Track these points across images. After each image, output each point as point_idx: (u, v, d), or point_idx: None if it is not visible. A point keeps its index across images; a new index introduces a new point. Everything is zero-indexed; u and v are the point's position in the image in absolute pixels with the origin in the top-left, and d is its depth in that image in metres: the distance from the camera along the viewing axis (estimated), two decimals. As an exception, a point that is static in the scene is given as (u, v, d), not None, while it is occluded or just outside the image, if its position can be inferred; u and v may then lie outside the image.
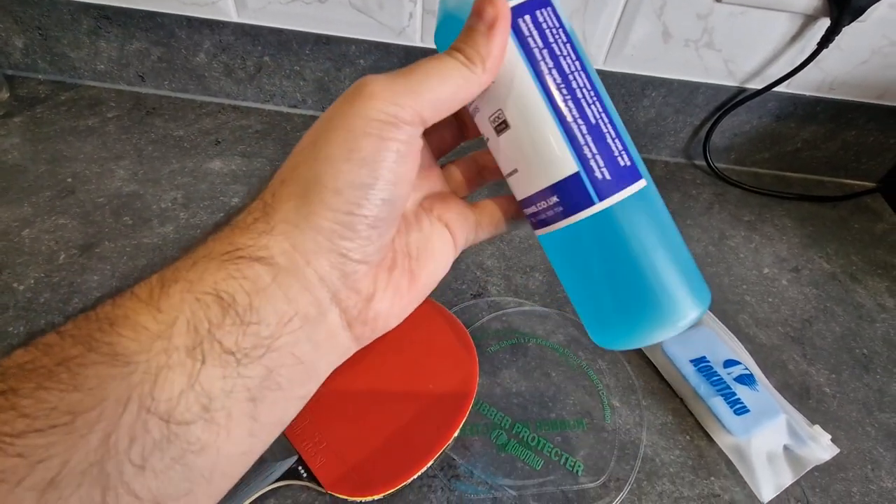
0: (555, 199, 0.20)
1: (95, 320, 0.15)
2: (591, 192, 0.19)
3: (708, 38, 0.50)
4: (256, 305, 0.16)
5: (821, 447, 0.35)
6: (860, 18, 0.45)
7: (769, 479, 0.34)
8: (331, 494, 0.30)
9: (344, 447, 0.32)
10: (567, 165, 0.19)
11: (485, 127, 0.21)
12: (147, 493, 0.14)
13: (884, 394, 0.41)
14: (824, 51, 0.47)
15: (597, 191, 0.19)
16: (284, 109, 0.58)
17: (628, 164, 0.20)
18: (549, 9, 0.20)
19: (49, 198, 0.45)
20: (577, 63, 0.20)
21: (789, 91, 0.53)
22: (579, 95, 0.19)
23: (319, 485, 0.30)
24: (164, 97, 0.57)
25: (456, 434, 0.33)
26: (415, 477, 0.31)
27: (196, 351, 0.15)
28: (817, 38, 0.48)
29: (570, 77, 0.19)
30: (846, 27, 0.46)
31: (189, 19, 0.50)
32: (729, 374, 0.38)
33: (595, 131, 0.20)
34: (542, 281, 0.45)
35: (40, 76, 0.56)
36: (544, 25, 0.19)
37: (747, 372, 0.38)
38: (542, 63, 0.19)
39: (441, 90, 0.18)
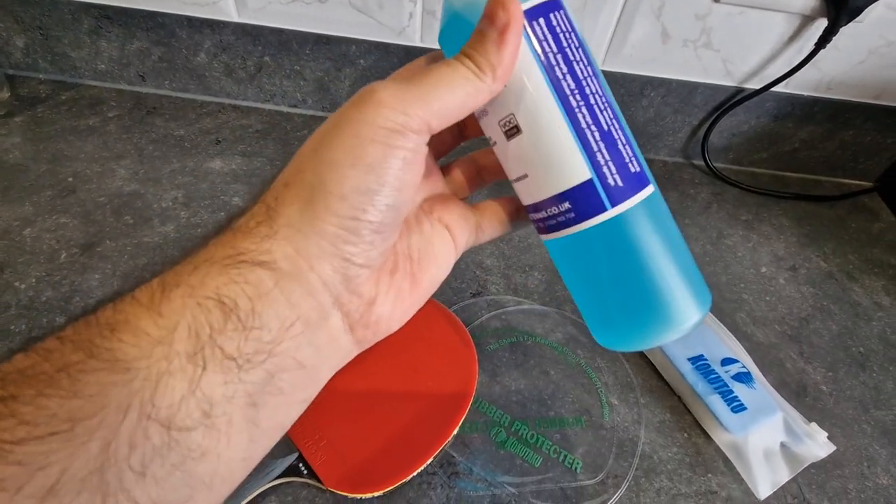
0: (567, 205, 0.20)
1: (96, 325, 0.15)
2: (604, 198, 0.19)
3: (706, 39, 0.50)
4: (258, 310, 0.16)
5: (817, 444, 0.36)
6: (857, 19, 0.46)
7: (766, 477, 0.34)
8: (331, 491, 0.31)
9: (344, 445, 0.32)
10: (580, 172, 0.19)
11: (492, 130, 0.21)
12: (147, 500, 0.14)
13: (880, 391, 0.41)
14: (822, 51, 0.48)
15: (609, 197, 0.19)
16: (285, 109, 0.58)
17: (638, 170, 0.20)
18: (561, 12, 0.19)
19: (50, 197, 0.45)
20: (589, 68, 0.20)
21: (787, 91, 0.54)
22: (592, 101, 0.19)
23: (320, 482, 0.31)
24: (165, 97, 0.57)
25: (455, 432, 0.33)
26: (415, 474, 0.32)
27: (197, 356, 0.15)
28: (815, 39, 0.48)
29: (584, 83, 0.19)
30: (843, 27, 0.46)
31: (190, 19, 0.51)
32: (726, 372, 0.38)
33: (607, 137, 0.19)
34: (541, 280, 0.45)
35: (41, 76, 0.56)
36: (558, 29, 0.19)
37: (745, 370, 0.39)
38: (556, 68, 0.19)
39: (450, 99, 0.18)
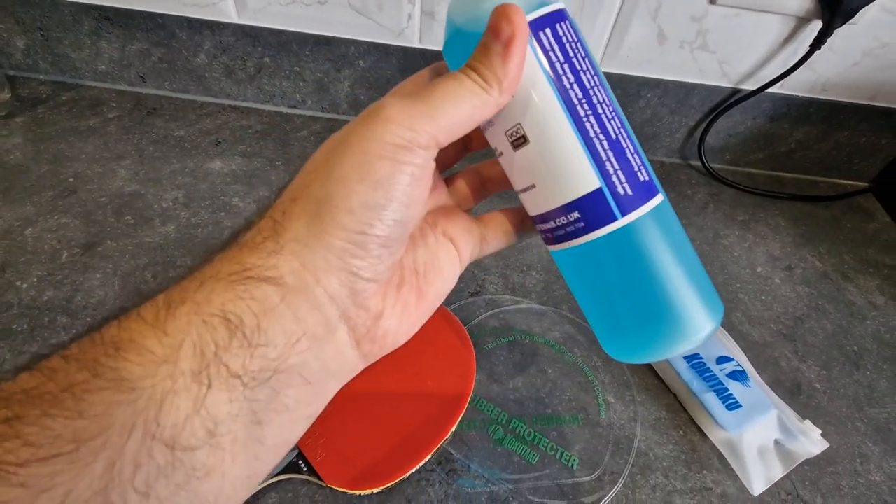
0: (576, 214, 0.20)
1: (101, 344, 0.15)
2: (614, 207, 0.19)
3: (702, 40, 0.51)
4: (264, 327, 0.16)
5: (811, 442, 0.36)
6: (851, 21, 0.46)
7: (760, 473, 0.35)
8: (331, 488, 0.31)
9: (343, 442, 0.32)
10: (589, 181, 0.19)
11: (498, 141, 0.21)
12: None
13: (873, 390, 0.41)
14: (816, 53, 0.48)
15: (619, 206, 0.19)
16: (284, 110, 0.59)
17: (647, 178, 0.20)
18: (567, 22, 0.19)
19: (51, 197, 0.45)
20: (595, 77, 0.20)
21: (783, 92, 0.54)
22: (600, 110, 0.19)
23: (319, 478, 0.31)
24: (165, 97, 0.57)
25: (454, 429, 0.34)
26: (413, 471, 0.32)
27: (202, 375, 0.15)
28: (810, 40, 0.48)
29: (591, 92, 0.19)
30: (838, 29, 0.47)
31: (190, 20, 0.51)
32: (722, 370, 0.39)
33: (616, 146, 0.19)
34: (539, 279, 0.45)
35: (42, 76, 0.56)
36: (564, 39, 0.19)
37: (740, 368, 0.39)
38: (563, 78, 0.19)
39: (456, 114, 0.18)
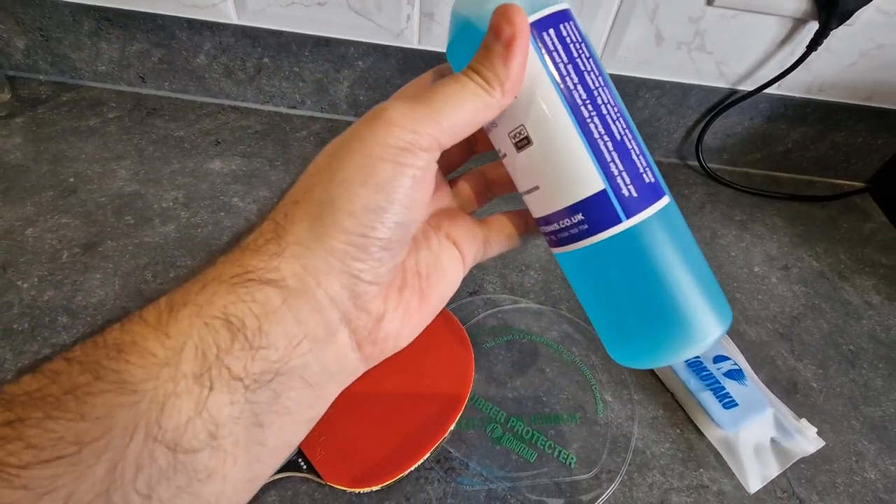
0: (580, 216, 0.19)
1: (103, 346, 0.15)
2: (619, 209, 0.19)
3: (700, 41, 0.51)
4: (266, 329, 0.16)
5: (807, 440, 0.37)
6: (847, 22, 0.46)
7: (756, 471, 0.35)
8: (330, 486, 0.31)
9: (342, 440, 0.33)
10: (594, 182, 0.19)
11: (502, 142, 0.21)
12: None
13: (869, 388, 0.42)
14: (813, 53, 0.48)
15: (624, 208, 0.19)
16: (284, 110, 0.59)
17: (652, 180, 0.20)
18: (571, 22, 0.19)
19: (51, 197, 0.45)
20: (600, 78, 0.19)
21: (780, 93, 0.54)
22: (604, 111, 0.19)
23: (319, 476, 0.31)
24: (165, 98, 0.57)
25: (452, 427, 0.34)
26: (412, 469, 0.32)
27: (204, 377, 0.15)
28: (806, 41, 0.49)
29: (595, 93, 0.19)
30: (834, 30, 0.47)
31: (189, 21, 0.51)
32: (718, 369, 0.39)
33: (621, 147, 0.19)
34: (538, 279, 0.46)
35: (42, 77, 0.57)
36: (568, 40, 0.19)
37: (736, 367, 0.39)
38: (567, 79, 0.19)
39: (459, 116, 0.18)
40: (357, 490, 0.31)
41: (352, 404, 0.34)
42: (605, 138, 0.19)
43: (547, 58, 0.19)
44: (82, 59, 0.55)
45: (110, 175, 0.48)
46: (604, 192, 0.19)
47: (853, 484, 0.36)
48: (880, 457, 0.38)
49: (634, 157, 0.19)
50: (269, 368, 0.16)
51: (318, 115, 0.59)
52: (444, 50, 0.21)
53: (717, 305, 0.20)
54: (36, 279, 0.40)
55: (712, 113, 0.56)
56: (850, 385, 0.42)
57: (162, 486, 0.14)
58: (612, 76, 0.52)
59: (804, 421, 0.38)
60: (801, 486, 0.35)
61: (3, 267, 0.40)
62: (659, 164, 0.60)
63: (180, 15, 0.51)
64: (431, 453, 0.33)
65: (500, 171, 0.24)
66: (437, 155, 0.18)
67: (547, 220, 0.21)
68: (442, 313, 0.40)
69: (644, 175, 0.20)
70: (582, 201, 0.19)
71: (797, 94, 0.55)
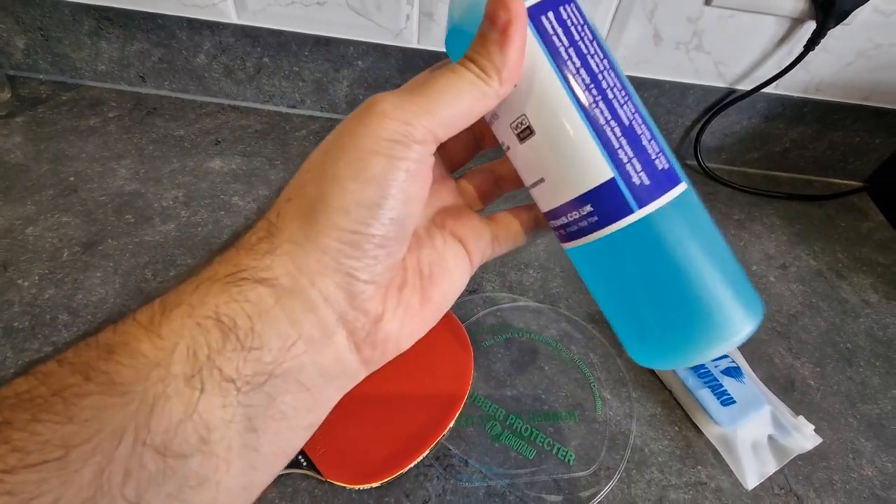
0: (588, 208, 0.18)
1: (95, 347, 0.14)
2: (630, 199, 0.18)
3: (698, 41, 0.51)
4: (258, 329, 0.15)
5: (804, 437, 0.37)
6: (845, 22, 0.47)
7: (754, 468, 0.35)
8: (330, 483, 0.31)
9: (342, 437, 0.33)
10: (601, 171, 0.18)
11: (505, 134, 0.20)
12: None
13: (866, 386, 0.42)
14: (810, 53, 0.49)
15: (635, 197, 0.18)
16: (283, 110, 0.59)
17: (666, 166, 0.19)
18: (572, 4, 0.18)
19: (52, 196, 0.46)
20: (604, 61, 0.18)
21: (777, 92, 0.55)
22: (610, 96, 0.18)
23: (319, 473, 0.31)
24: (165, 97, 0.58)
25: (451, 425, 0.34)
26: (411, 466, 0.32)
27: (195, 379, 0.14)
28: (804, 41, 0.49)
29: (600, 77, 0.18)
30: (831, 30, 0.47)
31: (189, 21, 0.51)
32: (716, 366, 0.39)
33: (629, 133, 0.18)
34: (536, 277, 0.46)
35: (42, 76, 0.57)
36: (569, 22, 0.18)
37: (734, 365, 0.39)
38: (569, 63, 0.18)
39: (455, 107, 0.17)
40: (357, 487, 0.31)
41: (352, 402, 0.34)
42: (612, 124, 0.18)
43: (546, 43, 0.18)
44: (82, 59, 0.55)
45: (110, 174, 0.48)
46: (613, 180, 0.18)
47: (850, 481, 0.36)
48: (877, 454, 0.38)
49: (645, 142, 0.18)
50: (262, 370, 0.15)
51: (318, 114, 0.59)
52: (444, 50, 0.21)
53: (746, 298, 0.19)
54: (36, 277, 0.40)
55: (710, 112, 0.56)
56: (848, 383, 0.42)
57: (151, 493, 0.13)
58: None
59: (801, 418, 0.38)
60: (798, 483, 0.36)
61: (4, 265, 0.40)
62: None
63: (180, 14, 0.51)
64: (431, 450, 0.33)
65: (508, 167, 0.23)
66: (433, 148, 0.17)
67: (555, 213, 0.20)
68: (441, 311, 0.40)
69: (656, 161, 0.18)
70: (590, 192, 0.18)
71: (795, 94, 0.55)
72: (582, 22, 0.18)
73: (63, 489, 0.13)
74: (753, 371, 0.41)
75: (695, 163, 0.60)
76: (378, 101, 0.17)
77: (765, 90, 0.53)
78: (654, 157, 0.18)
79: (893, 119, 0.56)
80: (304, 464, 0.32)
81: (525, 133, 0.19)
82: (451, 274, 0.20)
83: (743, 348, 0.43)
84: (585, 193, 0.18)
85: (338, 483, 0.31)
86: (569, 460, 0.35)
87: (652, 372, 0.40)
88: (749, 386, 0.38)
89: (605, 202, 0.18)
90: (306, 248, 0.16)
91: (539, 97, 0.18)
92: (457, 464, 0.34)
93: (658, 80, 0.54)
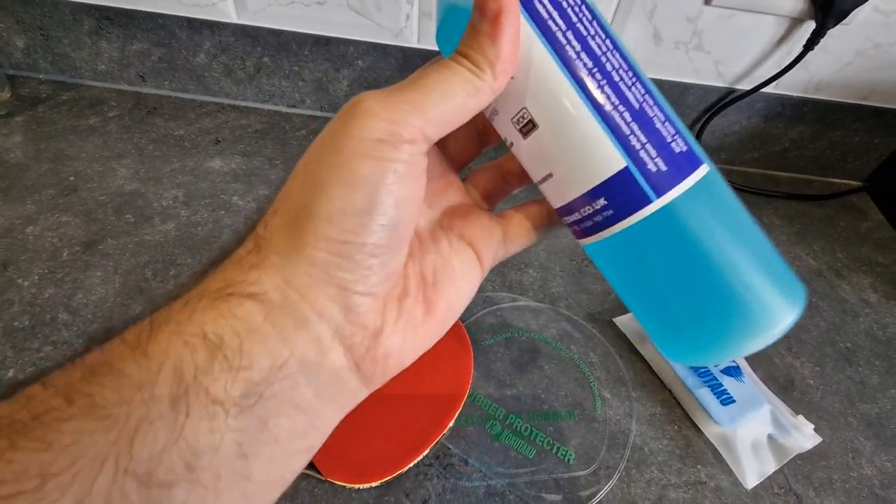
0: (602, 201, 0.17)
1: (80, 368, 0.14)
2: (646, 188, 0.16)
3: (698, 41, 0.51)
4: (246, 348, 0.14)
5: (804, 436, 0.37)
6: (844, 21, 0.47)
7: (754, 467, 0.35)
8: (330, 482, 0.31)
9: (342, 436, 0.32)
10: (613, 161, 0.16)
11: (507, 130, 0.19)
12: None
13: (865, 385, 0.42)
14: (810, 53, 0.49)
15: (652, 186, 0.16)
16: (283, 109, 0.59)
17: (684, 149, 0.17)
18: None
19: (52, 196, 0.46)
20: (607, 42, 0.17)
21: (777, 92, 0.55)
22: (616, 78, 0.17)
23: (318, 472, 0.31)
24: (165, 97, 0.58)
25: (451, 424, 0.34)
26: (411, 465, 0.32)
27: (180, 402, 0.13)
28: (803, 41, 0.49)
29: (603, 59, 0.17)
30: (831, 30, 0.47)
31: (189, 20, 0.51)
32: (716, 366, 0.39)
33: (640, 116, 0.17)
34: (536, 277, 0.46)
35: (42, 76, 0.57)
36: (564, 4, 0.17)
37: (734, 364, 0.39)
38: (567, 47, 0.16)
39: (446, 104, 0.16)
40: (357, 486, 0.31)
41: (351, 401, 0.34)
42: (621, 108, 0.16)
43: (542, 28, 0.16)
44: (82, 59, 0.55)
45: (110, 174, 0.49)
46: (626, 170, 0.16)
47: (849, 480, 0.36)
48: (876, 453, 0.38)
49: (659, 124, 0.17)
50: (252, 391, 0.14)
51: (318, 114, 0.59)
52: (443, 49, 0.21)
53: (785, 285, 0.17)
54: (36, 277, 0.40)
55: (710, 112, 0.56)
56: (847, 382, 0.42)
57: None
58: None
59: (801, 417, 0.38)
60: (797, 482, 0.36)
61: (4, 265, 0.40)
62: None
63: (180, 14, 0.51)
64: (431, 450, 0.33)
65: (515, 162, 0.21)
66: (425, 147, 0.16)
67: (567, 209, 0.19)
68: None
69: (673, 144, 0.17)
70: (602, 184, 0.17)
71: (794, 94, 0.55)
72: (580, 2, 0.17)
73: None
74: (753, 370, 0.41)
75: (694, 162, 0.60)
76: (363, 100, 0.15)
77: (764, 90, 0.53)
78: (669, 140, 0.17)
79: (893, 119, 0.56)
80: (304, 463, 0.32)
81: (527, 127, 0.18)
82: (458, 280, 0.19)
83: (742, 348, 0.43)
84: (597, 186, 0.17)
85: (338, 482, 0.31)
86: (568, 460, 0.35)
87: (651, 371, 0.40)
88: (749, 385, 0.38)
89: (619, 194, 0.17)
90: (294, 261, 0.15)
91: (539, 87, 0.17)
92: (457, 463, 0.34)
93: (658, 80, 0.54)
